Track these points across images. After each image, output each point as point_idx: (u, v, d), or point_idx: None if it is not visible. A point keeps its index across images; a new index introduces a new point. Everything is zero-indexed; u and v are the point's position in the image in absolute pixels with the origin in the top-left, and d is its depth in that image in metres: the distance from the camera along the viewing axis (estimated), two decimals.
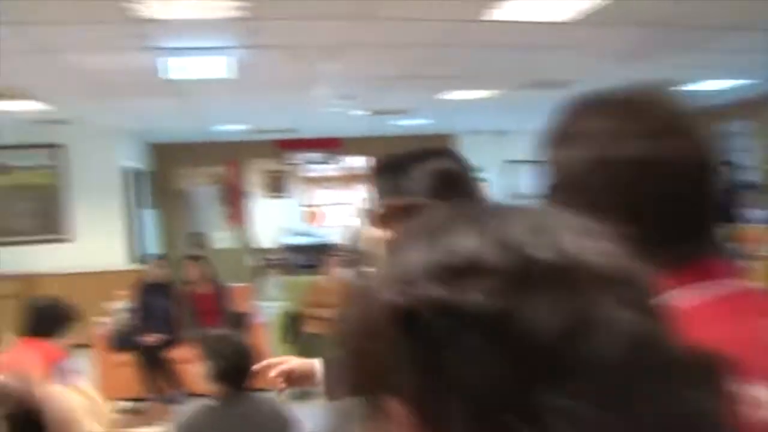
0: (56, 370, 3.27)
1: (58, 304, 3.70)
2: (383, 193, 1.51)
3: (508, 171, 12.61)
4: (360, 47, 5.06)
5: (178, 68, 5.14)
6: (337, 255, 7.83)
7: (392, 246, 0.56)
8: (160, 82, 5.93)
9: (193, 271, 6.55)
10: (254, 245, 12.76)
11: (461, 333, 0.46)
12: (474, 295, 0.46)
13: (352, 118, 9.48)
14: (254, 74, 5.81)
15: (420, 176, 1.46)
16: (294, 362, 1.88)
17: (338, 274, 7.09)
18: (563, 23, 4.45)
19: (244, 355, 2.62)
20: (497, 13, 4.22)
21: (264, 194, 13.70)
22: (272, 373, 1.83)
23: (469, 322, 0.46)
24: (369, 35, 4.74)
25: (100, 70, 5.46)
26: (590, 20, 4.38)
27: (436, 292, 0.47)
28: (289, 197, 13.94)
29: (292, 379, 1.85)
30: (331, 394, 1.76)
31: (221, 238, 12.20)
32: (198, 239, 12.10)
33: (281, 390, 1.87)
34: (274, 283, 12.64)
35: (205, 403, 2.59)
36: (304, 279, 8.03)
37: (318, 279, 7.34)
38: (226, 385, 2.55)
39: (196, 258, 6.69)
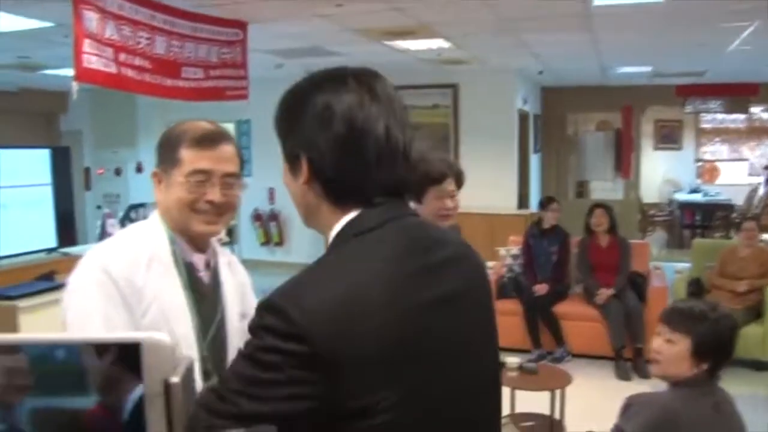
0: None
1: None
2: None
3: None
4: None
5: None
6: (749, 219, 6.74)
7: None
8: (578, 13, 5.43)
9: (600, 221, 6.05)
10: (639, 199, 11.89)
11: None
12: None
13: None
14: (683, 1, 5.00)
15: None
16: None
17: (753, 241, 6.03)
18: None
19: (730, 334, 2.06)
20: None
21: (654, 145, 12.66)
22: None
23: None
24: None
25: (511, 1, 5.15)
26: None
27: None
28: (682, 149, 12.72)
29: None
30: None
31: (604, 188, 11.53)
32: (582, 187, 11.59)
33: None
34: (664, 242, 11.67)
35: (673, 389, 2.08)
36: (714, 243, 7.08)
37: (732, 245, 6.35)
38: (705, 371, 2.03)
39: (605, 207, 6.15)
